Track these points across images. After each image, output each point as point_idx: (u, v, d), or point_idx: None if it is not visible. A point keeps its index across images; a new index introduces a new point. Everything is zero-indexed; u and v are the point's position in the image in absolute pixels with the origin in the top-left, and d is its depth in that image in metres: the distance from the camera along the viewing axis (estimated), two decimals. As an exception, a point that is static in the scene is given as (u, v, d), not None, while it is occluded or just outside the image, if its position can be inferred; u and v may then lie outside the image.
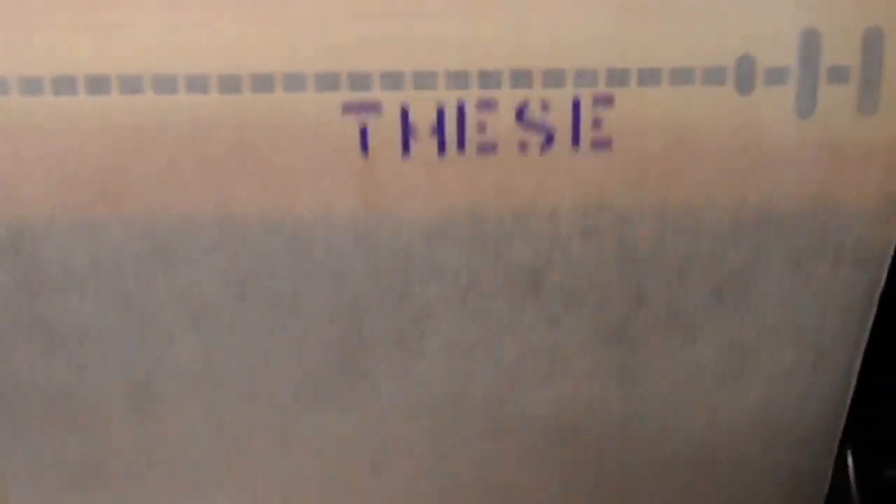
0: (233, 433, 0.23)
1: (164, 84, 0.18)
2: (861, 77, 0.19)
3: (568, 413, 0.23)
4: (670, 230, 0.21)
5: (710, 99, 0.19)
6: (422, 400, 0.22)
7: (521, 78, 0.19)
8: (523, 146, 0.20)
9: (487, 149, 0.20)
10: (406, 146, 0.19)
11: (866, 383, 0.23)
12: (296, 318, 0.21)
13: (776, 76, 0.19)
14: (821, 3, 0.19)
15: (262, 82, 0.18)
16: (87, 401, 0.22)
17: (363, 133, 0.19)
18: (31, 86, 0.18)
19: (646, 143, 0.20)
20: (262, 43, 0.18)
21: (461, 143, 0.19)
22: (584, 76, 0.19)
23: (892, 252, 0.21)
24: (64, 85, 0.18)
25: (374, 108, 0.19)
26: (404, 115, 0.19)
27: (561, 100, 0.19)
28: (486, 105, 0.19)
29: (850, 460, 0.24)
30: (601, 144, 0.20)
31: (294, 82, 0.18)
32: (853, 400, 0.23)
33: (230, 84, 0.18)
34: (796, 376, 0.22)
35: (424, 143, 0.19)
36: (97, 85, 0.18)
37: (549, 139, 0.20)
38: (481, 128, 0.19)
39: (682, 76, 0.19)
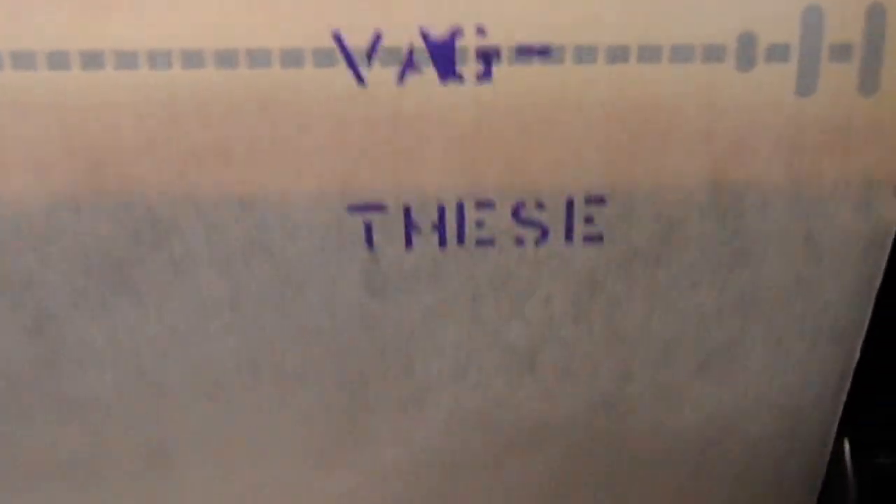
0: (243, 492, 0.24)
1: (160, 59, 0.18)
2: (863, 55, 0.19)
3: (559, 475, 0.24)
4: (657, 312, 0.22)
5: (709, 77, 0.19)
6: (422, 462, 0.24)
7: (521, 52, 0.19)
8: (519, 240, 0.21)
9: (486, 242, 0.21)
10: (409, 240, 0.21)
11: (863, 372, 0.23)
12: (304, 389, 0.22)
13: (777, 53, 0.19)
14: None
15: (259, 57, 0.19)
16: (103, 464, 0.23)
17: (368, 229, 0.20)
18: (24, 61, 0.18)
19: (635, 235, 0.21)
20: (258, 17, 0.18)
21: (461, 237, 0.21)
22: (584, 53, 0.19)
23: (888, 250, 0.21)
24: (58, 60, 0.18)
25: (378, 208, 0.20)
26: (407, 213, 0.20)
27: (555, 199, 0.20)
28: (484, 205, 0.20)
29: (846, 449, 0.25)
30: (593, 238, 0.21)
31: (291, 58, 0.19)
32: (850, 389, 0.23)
33: (226, 59, 0.18)
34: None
35: (426, 238, 0.21)
36: (91, 60, 0.18)
37: (543, 234, 0.21)
38: (480, 224, 0.20)
39: (682, 53, 0.19)
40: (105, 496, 0.24)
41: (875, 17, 0.19)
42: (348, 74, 0.19)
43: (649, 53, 0.19)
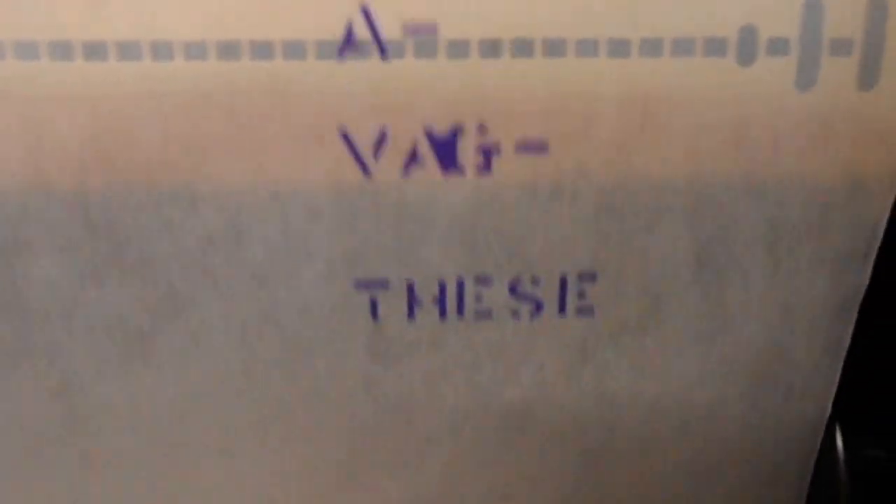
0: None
1: (161, 51, 0.18)
2: (863, 50, 0.19)
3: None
4: (644, 377, 0.23)
5: (710, 70, 0.19)
6: (420, 509, 0.25)
7: (523, 48, 0.19)
8: (516, 313, 0.22)
9: (484, 315, 0.22)
10: (412, 313, 0.22)
11: (855, 361, 0.23)
12: (310, 445, 0.24)
13: (778, 47, 0.19)
14: None
15: (261, 49, 0.19)
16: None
17: (373, 303, 0.22)
18: (27, 51, 0.18)
19: (624, 308, 0.22)
20: (260, 9, 0.18)
21: (460, 310, 0.22)
22: (585, 46, 0.19)
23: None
24: (60, 50, 0.18)
25: (382, 284, 0.21)
26: (410, 289, 0.22)
27: (550, 276, 0.22)
28: (483, 281, 0.22)
29: (838, 439, 0.25)
30: (584, 311, 0.22)
31: (293, 50, 0.19)
32: (842, 378, 0.24)
33: (229, 51, 0.19)
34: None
35: (428, 310, 0.22)
36: (94, 51, 0.19)
37: (538, 307, 0.22)
38: (478, 298, 0.22)
39: (683, 47, 0.19)
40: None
41: (876, 12, 0.19)
42: (355, 167, 0.20)
43: (650, 47, 0.19)
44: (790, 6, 0.19)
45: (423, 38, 0.19)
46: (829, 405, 0.24)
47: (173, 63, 0.19)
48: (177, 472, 0.24)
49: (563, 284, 0.22)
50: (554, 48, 0.19)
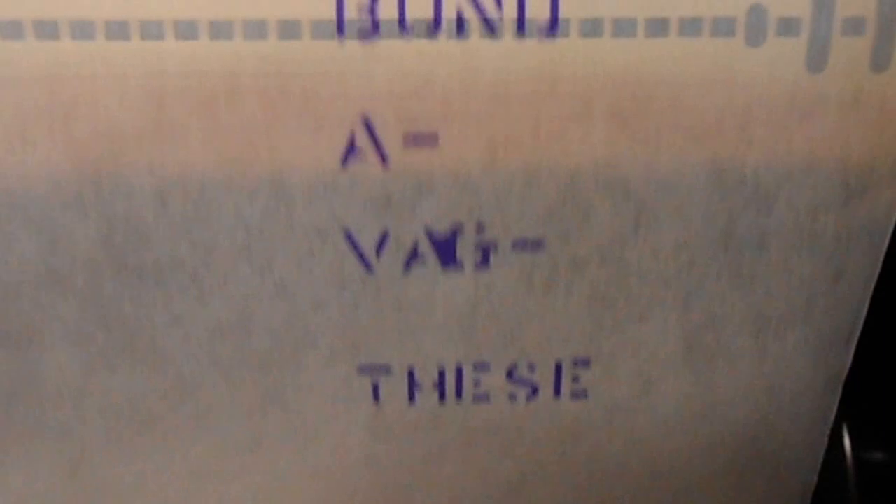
0: None
1: (151, 30, 0.18)
2: (877, 29, 0.18)
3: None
4: (635, 455, 0.24)
5: (718, 51, 0.19)
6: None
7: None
8: (512, 396, 0.23)
9: (481, 398, 0.23)
10: (412, 396, 0.23)
11: (862, 364, 0.23)
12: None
13: (788, 27, 0.18)
14: None
15: (255, 29, 0.18)
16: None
17: (375, 387, 0.22)
18: (11, 30, 0.18)
19: (617, 392, 0.23)
20: None
21: (459, 393, 0.23)
22: (588, 26, 0.19)
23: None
24: (46, 29, 0.18)
25: (384, 370, 0.22)
26: (410, 374, 0.22)
27: (545, 362, 0.22)
28: (481, 367, 0.22)
29: (846, 442, 0.25)
30: (578, 394, 0.23)
31: (288, 29, 0.18)
32: (848, 380, 0.23)
33: (221, 30, 0.18)
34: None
35: (427, 394, 0.23)
36: (82, 30, 0.18)
37: (534, 391, 0.23)
38: (476, 383, 0.23)
39: (690, 27, 0.18)
40: None
41: None
42: (358, 264, 0.21)
43: (656, 27, 0.18)
44: None
45: (424, 149, 0.19)
46: (816, 476, 0.25)
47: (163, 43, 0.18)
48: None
49: (559, 370, 0.23)
50: None
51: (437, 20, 0.18)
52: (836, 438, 0.25)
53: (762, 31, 0.18)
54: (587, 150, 0.20)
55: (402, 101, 0.19)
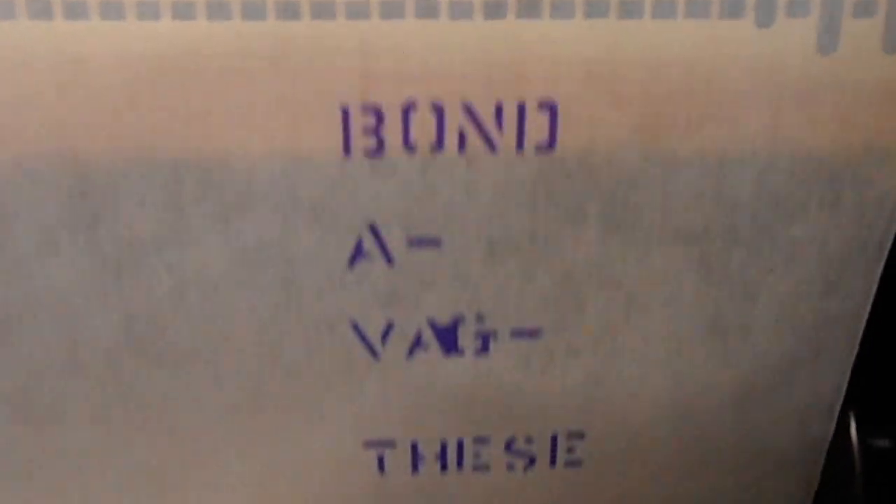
0: None
1: (148, 10, 0.18)
2: (888, 10, 0.18)
3: None
4: (628, 511, 0.25)
5: (726, 33, 0.18)
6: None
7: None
8: (510, 466, 0.24)
9: (481, 468, 0.24)
10: (415, 467, 0.24)
11: (869, 351, 0.23)
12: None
13: (798, 8, 0.18)
14: None
15: (255, 9, 0.18)
16: None
17: (380, 459, 0.24)
18: (2, 9, 0.17)
19: (610, 460, 0.24)
20: None
21: (460, 464, 0.24)
22: (594, 7, 0.18)
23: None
24: (39, 9, 0.17)
25: (389, 444, 0.23)
26: (414, 448, 0.24)
27: (542, 435, 0.24)
28: (481, 440, 0.24)
29: (852, 429, 0.25)
30: (573, 463, 0.24)
31: (288, 9, 0.18)
32: (855, 368, 0.23)
33: (219, 10, 0.18)
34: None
35: (430, 465, 0.24)
36: (74, 10, 0.18)
37: (531, 461, 0.24)
38: (477, 455, 0.24)
39: (697, 8, 0.18)
40: None
41: None
42: (364, 350, 0.22)
43: (664, 8, 0.18)
44: None
45: (427, 250, 0.21)
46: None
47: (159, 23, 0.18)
48: None
49: (554, 442, 0.24)
50: None
51: (440, 141, 0.19)
52: (842, 425, 0.25)
53: (772, 11, 0.18)
54: (581, 249, 0.21)
55: (407, 210, 0.20)
